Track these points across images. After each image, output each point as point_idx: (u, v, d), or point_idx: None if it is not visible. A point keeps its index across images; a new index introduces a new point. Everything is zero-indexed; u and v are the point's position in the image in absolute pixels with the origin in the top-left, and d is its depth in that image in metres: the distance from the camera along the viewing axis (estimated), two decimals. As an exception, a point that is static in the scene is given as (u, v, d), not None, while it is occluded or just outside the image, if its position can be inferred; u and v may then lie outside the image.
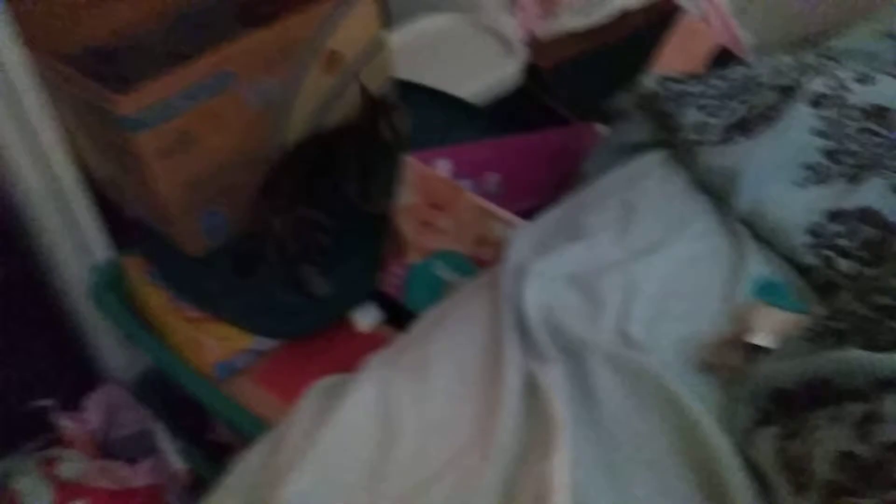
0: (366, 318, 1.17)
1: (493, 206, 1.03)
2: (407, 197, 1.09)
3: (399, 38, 1.54)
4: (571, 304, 0.76)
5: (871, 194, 0.75)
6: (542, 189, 1.11)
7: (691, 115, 0.90)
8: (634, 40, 1.45)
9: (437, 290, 1.07)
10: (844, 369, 0.55)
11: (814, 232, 0.75)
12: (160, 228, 1.14)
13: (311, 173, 1.15)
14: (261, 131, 1.12)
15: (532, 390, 0.68)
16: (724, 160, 0.84)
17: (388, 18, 1.73)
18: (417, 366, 0.76)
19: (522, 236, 0.87)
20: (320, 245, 1.17)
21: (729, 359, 0.67)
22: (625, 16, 1.45)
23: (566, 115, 1.41)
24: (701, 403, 0.62)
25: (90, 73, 1.03)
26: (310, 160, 1.16)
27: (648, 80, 0.99)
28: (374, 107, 1.12)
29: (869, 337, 0.56)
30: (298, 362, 1.10)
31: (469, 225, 1.06)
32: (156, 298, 1.14)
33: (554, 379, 0.68)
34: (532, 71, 1.49)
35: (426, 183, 1.07)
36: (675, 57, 1.43)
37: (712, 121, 0.89)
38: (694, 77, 0.98)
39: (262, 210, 1.14)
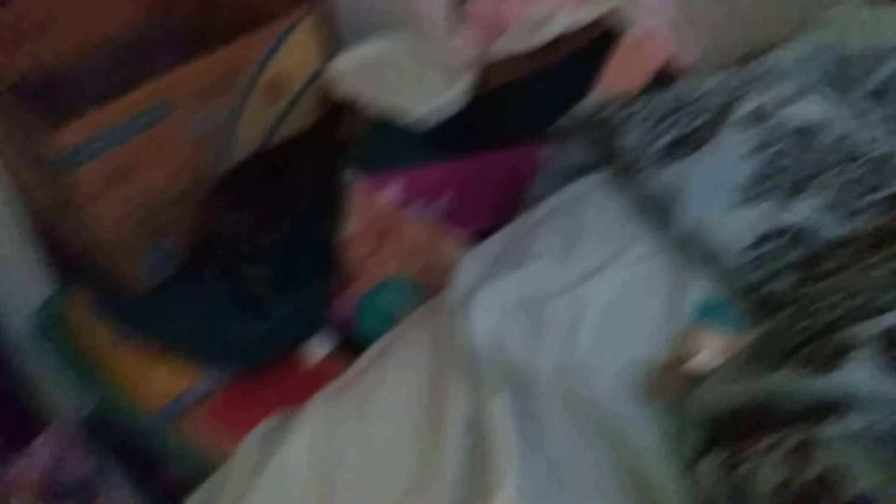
0: (317, 349, 1.15)
1: (440, 232, 1.02)
2: (353, 225, 1.07)
3: (346, 61, 1.52)
4: (518, 331, 0.74)
5: (804, 212, 0.76)
6: (494, 210, 1.11)
7: (630, 137, 0.90)
8: (580, 59, 1.46)
9: (387, 319, 1.05)
10: (780, 393, 0.55)
11: (751, 251, 0.75)
12: (101, 265, 1.10)
13: (265, 179, 1.12)
14: (203, 162, 1.09)
15: (477, 424, 0.66)
16: (663, 181, 0.84)
17: (334, 43, 1.72)
18: (360, 403, 0.74)
19: (469, 262, 0.86)
20: (270, 247, 1.13)
21: (672, 384, 0.66)
22: (569, 36, 1.45)
23: (515, 136, 1.41)
24: (645, 432, 0.61)
25: (24, 106, 1.00)
26: (265, 167, 1.14)
27: (588, 103, 0.99)
28: (335, 111, 1.11)
29: (805, 358, 0.56)
30: (249, 397, 1.06)
31: (416, 251, 1.04)
32: (100, 336, 1.10)
33: (500, 411, 0.67)
34: (480, 92, 1.49)
35: (371, 210, 1.06)
36: (619, 75, 1.44)
37: (650, 142, 0.89)
38: (632, 98, 0.98)
39: (212, 208, 1.10)
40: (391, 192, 1.09)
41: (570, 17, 1.45)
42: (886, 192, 0.74)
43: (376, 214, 1.06)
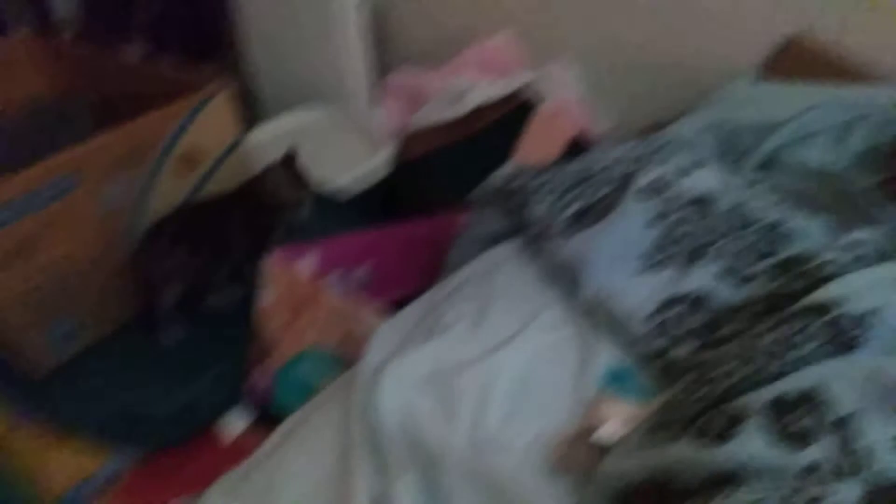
0: (232, 426, 1.10)
1: (356, 303, 1.00)
2: (268, 297, 1.04)
3: (267, 132, 1.52)
4: (427, 406, 0.73)
5: (702, 279, 0.78)
6: (413, 278, 1.10)
7: (539, 207, 0.92)
8: (498, 130, 1.50)
9: (306, 391, 1.02)
10: (678, 466, 0.55)
11: (652, 319, 0.76)
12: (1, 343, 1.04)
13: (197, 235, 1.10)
14: (110, 236, 1.05)
15: (384, 506, 0.63)
16: (569, 250, 0.85)
17: (254, 113, 1.72)
18: (268, 485, 0.70)
19: (382, 335, 0.84)
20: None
21: (578, 457, 0.66)
22: (486, 107, 1.50)
23: (437, 204, 1.43)
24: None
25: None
26: (196, 223, 1.11)
27: (500, 174, 1.00)
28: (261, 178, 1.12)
29: (701, 429, 0.56)
30: (160, 479, 1.00)
31: (333, 323, 1.02)
32: (-4, 420, 1.02)
33: (407, 491, 0.65)
34: (401, 161, 1.50)
35: (287, 282, 1.03)
36: (536, 145, 1.49)
37: (558, 212, 0.91)
38: (542, 168, 1.00)
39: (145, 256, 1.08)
40: (308, 263, 1.07)
41: (488, 90, 1.49)
42: (776, 258, 0.76)
43: (293, 285, 1.04)
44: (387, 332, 0.84)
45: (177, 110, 1.05)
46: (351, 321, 1.00)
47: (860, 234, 0.72)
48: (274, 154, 1.33)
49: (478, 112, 1.50)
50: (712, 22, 1.44)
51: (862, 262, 0.68)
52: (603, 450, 0.65)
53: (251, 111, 1.69)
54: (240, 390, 1.09)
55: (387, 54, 1.71)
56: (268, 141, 1.46)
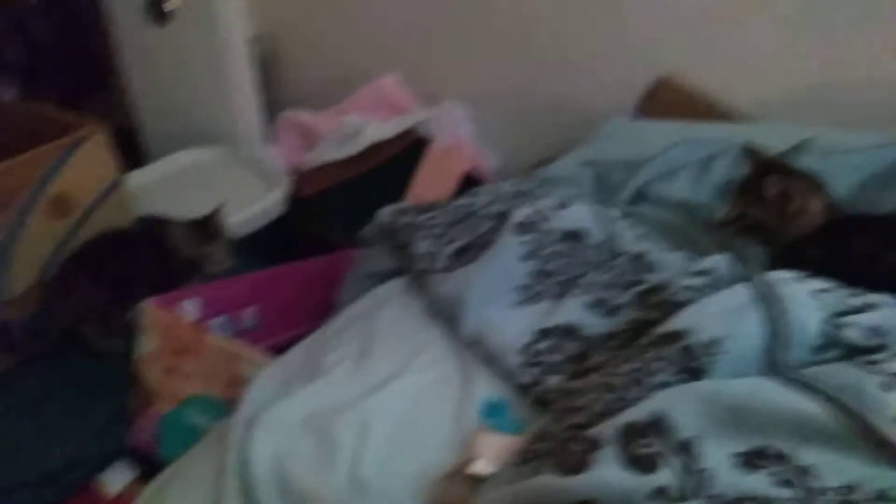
0: (114, 481, 1.03)
1: (239, 347, 0.97)
2: (148, 344, 1.00)
3: (155, 172, 1.47)
4: (304, 452, 0.70)
5: (571, 311, 0.80)
6: (305, 319, 1.07)
7: (422, 245, 0.93)
8: (389, 168, 1.51)
9: (192, 440, 0.97)
10: (539, 498, 0.55)
11: (526, 351, 0.78)
12: None
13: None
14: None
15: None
16: (449, 287, 0.86)
17: (140, 154, 1.66)
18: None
19: (261, 381, 0.82)
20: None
21: (455, 494, 0.65)
22: (379, 145, 1.51)
23: (331, 241, 1.41)
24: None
25: None
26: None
27: (384, 213, 1.00)
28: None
29: (561, 459, 0.57)
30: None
31: (218, 367, 0.98)
32: None
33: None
34: (295, 200, 1.49)
35: (168, 327, 0.99)
36: (429, 183, 1.50)
37: (440, 249, 0.92)
38: (427, 206, 1.01)
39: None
40: (190, 308, 1.03)
41: (382, 129, 1.50)
42: (638, 288, 0.80)
43: (174, 331, 0.99)
44: (266, 378, 0.82)
45: (48, 152, 1.00)
46: (236, 366, 0.97)
47: (711, 262, 0.76)
48: (166, 193, 1.29)
49: (373, 149, 1.50)
50: (590, 64, 1.51)
51: (713, 288, 0.72)
52: (478, 485, 0.65)
53: (136, 152, 1.63)
54: (123, 441, 1.04)
55: (276, 94, 1.70)
56: (154, 181, 1.41)
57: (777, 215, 0.79)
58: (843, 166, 0.97)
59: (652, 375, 0.62)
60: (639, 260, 0.84)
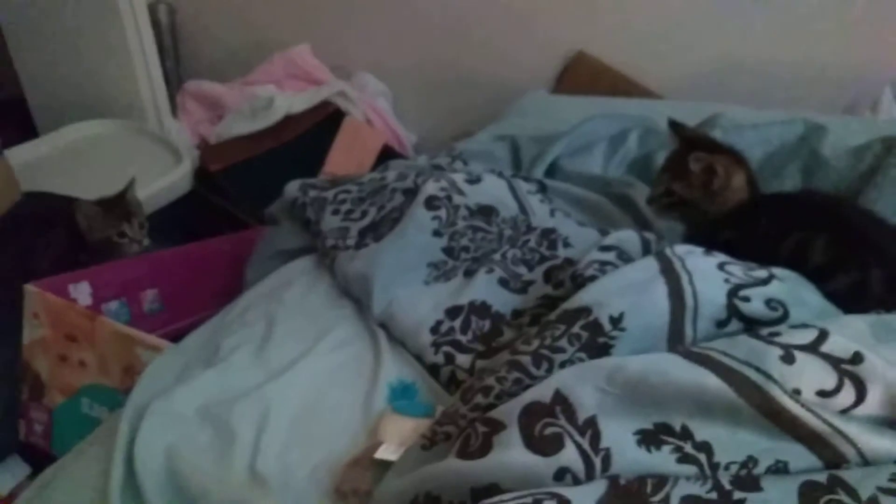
0: (5, 479, 0.96)
1: (134, 332, 0.90)
2: (35, 331, 0.91)
3: (46, 146, 1.35)
4: (199, 444, 0.65)
5: (480, 287, 0.77)
6: (213, 301, 1.01)
7: (330, 220, 0.88)
8: (303, 142, 1.45)
9: (89, 431, 0.90)
10: (445, 482, 0.52)
11: (436, 329, 0.74)
12: None
13: None
14: None
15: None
16: (358, 265, 0.81)
17: (32, 126, 1.52)
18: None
19: (158, 366, 0.75)
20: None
21: (359, 480, 0.62)
22: (291, 119, 1.43)
23: (241, 218, 1.34)
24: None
25: None
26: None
27: (291, 188, 0.95)
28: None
29: (465, 441, 0.55)
30: None
31: (113, 355, 0.91)
32: None
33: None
34: (203, 175, 1.40)
35: (57, 313, 0.91)
36: (343, 157, 1.45)
37: (349, 225, 0.87)
38: (333, 182, 0.96)
39: None
40: (80, 292, 0.95)
41: (293, 101, 1.43)
42: (547, 265, 0.78)
43: (64, 317, 0.91)
44: (161, 365, 0.76)
45: None
46: (131, 352, 0.90)
47: (621, 236, 0.75)
48: (55, 171, 1.19)
49: (285, 122, 1.43)
50: (507, 40, 1.49)
51: (622, 262, 0.70)
52: (384, 471, 0.62)
53: (27, 123, 1.49)
54: (12, 437, 0.96)
55: (180, 63, 1.60)
56: (45, 156, 1.30)
57: (701, 190, 0.78)
58: (751, 139, 0.98)
59: (560, 353, 0.60)
60: (549, 235, 0.82)
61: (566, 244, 0.80)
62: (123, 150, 1.38)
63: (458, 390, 0.66)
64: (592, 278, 0.68)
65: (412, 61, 1.56)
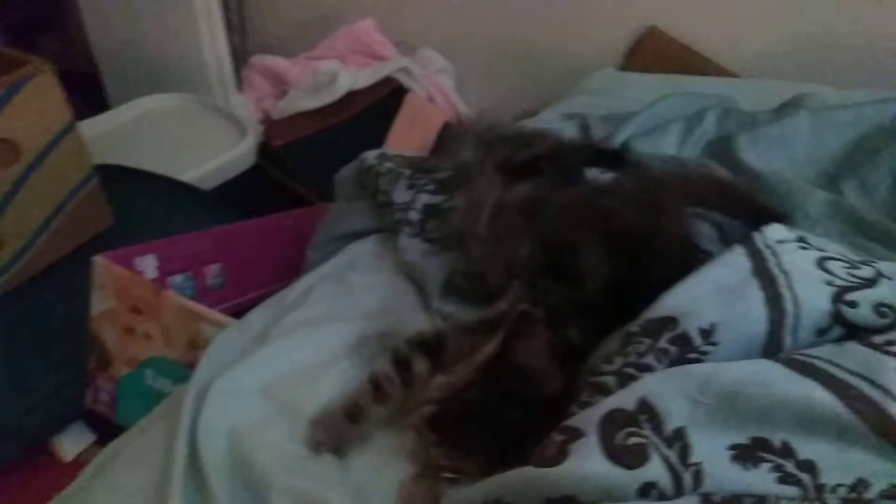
0: (71, 443, 0.96)
1: (199, 307, 0.88)
2: (103, 302, 0.90)
3: (115, 119, 1.34)
4: (262, 422, 0.62)
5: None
6: (275, 277, 0.98)
7: (401, 194, 0.83)
8: (365, 118, 1.40)
9: (151, 403, 0.89)
10: (515, 491, 0.48)
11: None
12: None
13: None
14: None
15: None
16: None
17: (104, 99, 1.51)
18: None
19: (219, 344, 0.73)
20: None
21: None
22: (354, 95, 1.39)
23: (304, 194, 1.31)
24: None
25: None
26: None
27: (369, 155, 0.91)
28: None
29: (541, 449, 0.49)
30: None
31: (177, 329, 0.89)
32: None
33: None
34: (266, 150, 1.37)
35: (124, 285, 0.89)
36: (405, 134, 1.40)
37: (414, 197, 0.83)
38: (408, 158, 0.91)
39: None
40: (148, 264, 0.93)
41: (357, 76, 1.39)
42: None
43: (131, 289, 0.90)
44: (225, 341, 0.73)
45: (-16, 96, 0.88)
46: (195, 327, 0.88)
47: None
48: (128, 142, 1.17)
49: (348, 98, 1.38)
50: (575, 13, 1.40)
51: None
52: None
53: (101, 98, 1.49)
54: (79, 404, 0.96)
55: (245, 38, 1.56)
56: (115, 129, 1.29)
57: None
58: (842, 119, 0.88)
59: (647, 371, 0.52)
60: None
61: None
62: (190, 124, 1.36)
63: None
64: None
65: (474, 36, 1.49)
